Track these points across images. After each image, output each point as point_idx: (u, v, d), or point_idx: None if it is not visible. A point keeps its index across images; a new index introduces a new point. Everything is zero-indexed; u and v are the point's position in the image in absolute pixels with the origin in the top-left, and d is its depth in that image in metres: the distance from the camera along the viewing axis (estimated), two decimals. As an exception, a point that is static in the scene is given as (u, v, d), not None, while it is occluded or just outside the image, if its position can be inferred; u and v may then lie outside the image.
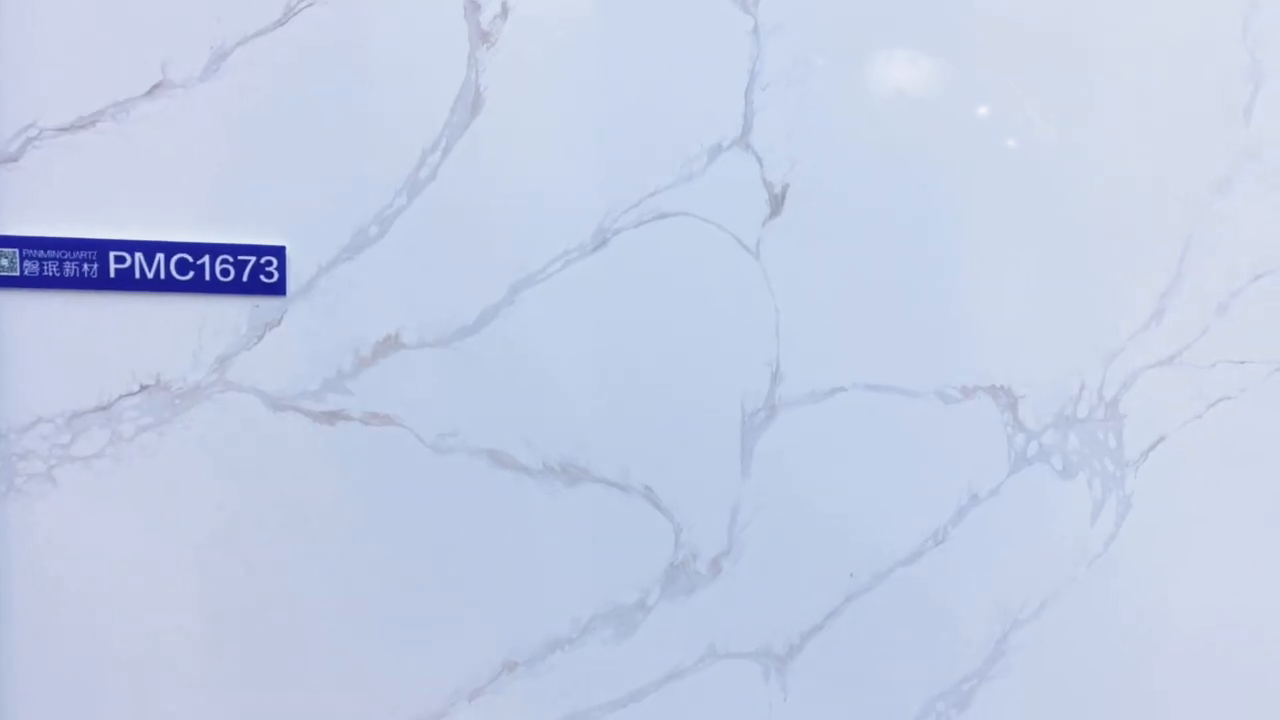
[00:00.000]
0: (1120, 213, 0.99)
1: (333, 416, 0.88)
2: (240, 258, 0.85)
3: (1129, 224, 0.99)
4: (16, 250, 0.82)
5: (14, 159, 0.81)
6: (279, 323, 0.87)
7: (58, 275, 0.82)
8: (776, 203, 0.93)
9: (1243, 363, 1.03)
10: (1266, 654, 1.07)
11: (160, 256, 0.84)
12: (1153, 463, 1.02)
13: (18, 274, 0.82)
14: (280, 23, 0.84)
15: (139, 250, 0.84)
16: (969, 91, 0.96)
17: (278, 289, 0.86)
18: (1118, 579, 1.03)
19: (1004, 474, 0.99)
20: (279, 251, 0.86)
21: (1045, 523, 1.01)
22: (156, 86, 0.83)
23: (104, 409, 0.85)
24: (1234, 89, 1.00)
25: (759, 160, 0.92)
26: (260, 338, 0.86)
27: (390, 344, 0.88)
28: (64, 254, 0.82)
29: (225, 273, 0.85)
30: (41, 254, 0.82)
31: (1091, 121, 0.98)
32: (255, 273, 0.86)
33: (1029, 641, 1.02)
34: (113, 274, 0.83)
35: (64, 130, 0.82)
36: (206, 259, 0.85)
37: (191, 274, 0.85)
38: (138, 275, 0.84)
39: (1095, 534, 1.02)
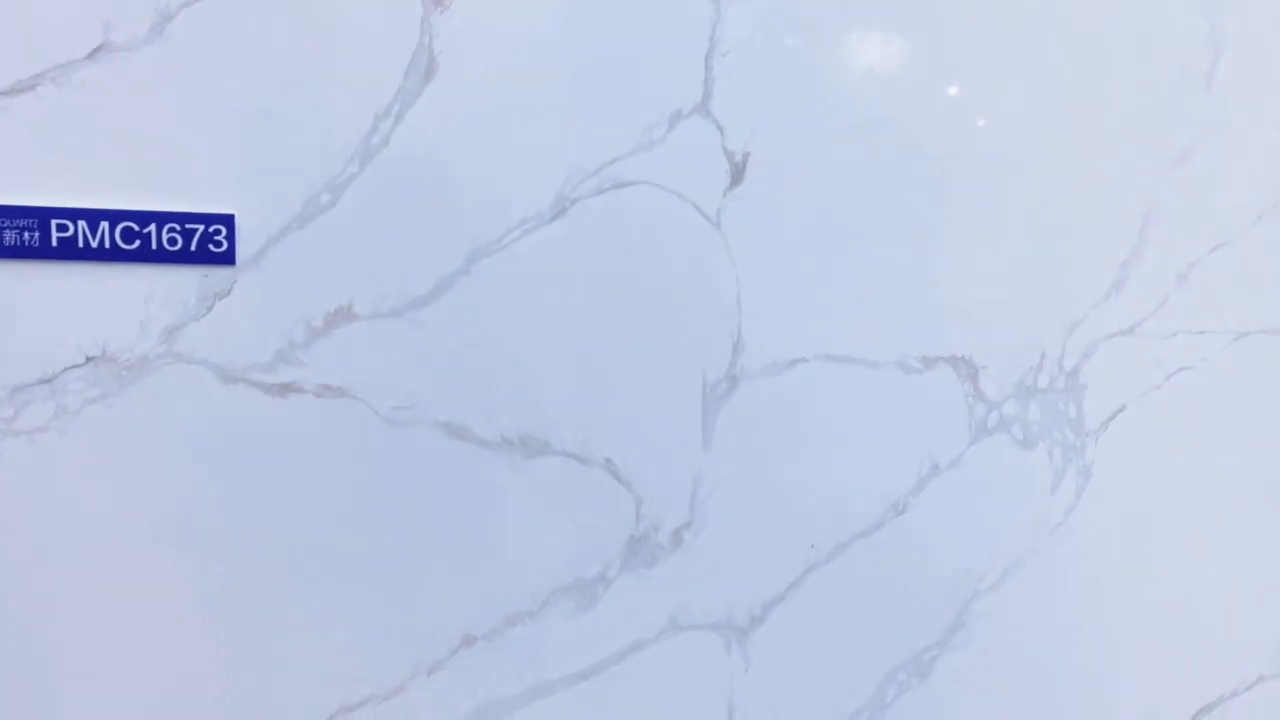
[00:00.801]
0: (1081, 183, 0.99)
1: (285, 389, 0.86)
2: (188, 226, 0.83)
3: (1089, 195, 0.99)
4: (-46, 218, 0.80)
5: (-50, 123, 0.79)
6: (229, 293, 0.85)
7: (-3, 244, 0.80)
8: (737, 172, 0.92)
9: (1202, 332, 1.03)
10: (1225, 621, 1.08)
11: (105, 225, 0.82)
12: (1112, 432, 1.03)
13: (-44, 243, 0.80)
14: (226, -16, 0.81)
15: (82, 218, 0.81)
16: (930, 61, 0.95)
17: (227, 258, 0.84)
18: (1078, 548, 1.03)
19: (965, 444, 1.00)
20: (228, 220, 0.84)
21: (1006, 492, 1.01)
22: (98, 49, 0.80)
23: (48, 381, 0.83)
24: (1195, 58, 0.99)
25: (719, 128, 0.91)
26: (209, 308, 0.85)
27: (343, 315, 0.87)
28: (4, 222, 0.80)
29: (173, 242, 0.83)
30: (-20, 222, 0.80)
31: (1053, 92, 0.97)
32: (204, 242, 0.84)
33: (990, 611, 1.02)
34: (55, 243, 0.81)
35: (2, 94, 0.79)
36: (153, 228, 0.83)
37: (138, 243, 0.82)
38: (81, 244, 0.81)
39: (1055, 504, 1.03)
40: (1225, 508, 1.06)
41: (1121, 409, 1.03)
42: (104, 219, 0.82)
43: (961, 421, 0.99)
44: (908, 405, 0.98)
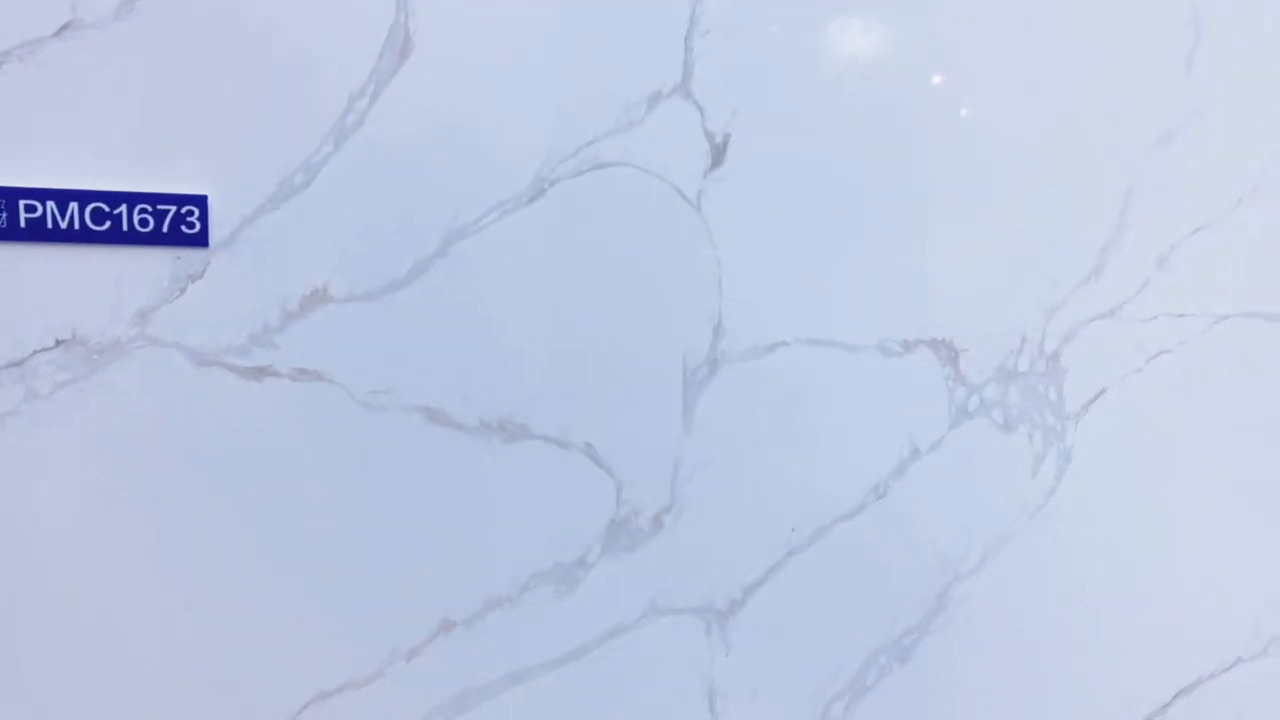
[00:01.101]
0: (1061, 166, 0.99)
1: (260, 372, 0.85)
2: (160, 207, 0.82)
3: (1070, 177, 0.99)
4: (-81, 198, 0.78)
5: (-86, 102, 0.77)
6: (202, 275, 0.84)
7: (-37, 225, 0.79)
8: (718, 153, 0.92)
9: (1182, 316, 1.03)
10: (1204, 603, 1.09)
11: (74, 205, 0.80)
12: (1093, 416, 1.03)
13: (-79, 223, 0.78)
14: (197, -40, 0.80)
15: (51, 199, 0.80)
16: (912, 42, 0.94)
17: (200, 240, 0.83)
18: (1058, 532, 1.03)
19: (945, 427, 0.99)
20: (201, 201, 0.82)
21: (986, 476, 1.01)
22: (66, 26, 0.79)
23: (17, 365, 0.81)
24: (1176, 41, 0.99)
25: (699, 109, 0.91)
26: (182, 291, 0.83)
27: (318, 297, 0.86)
28: (-30, 202, 0.79)
29: (144, 223, 0.82)
30: (-54, 202, 0.78)
31: (1033, 75, 0.97)
32: (176, 223, 0.82)
33: (970, 594, 1.02)
34: (23, 224, 0.80)
35: (-32, 72, 0.78)
36: (124, 208, 0.81)
37: (108, 224, 0.81)
38: (50, 225, 0.80)
39: (1036, 487, 1.03)
40: (1204, 490, 1.07)
41: (1102, 392, 1.03)
42: (73, 199, 0.80)
43: (942, 405, 0.99)
44: (888, 389, 0.97)
